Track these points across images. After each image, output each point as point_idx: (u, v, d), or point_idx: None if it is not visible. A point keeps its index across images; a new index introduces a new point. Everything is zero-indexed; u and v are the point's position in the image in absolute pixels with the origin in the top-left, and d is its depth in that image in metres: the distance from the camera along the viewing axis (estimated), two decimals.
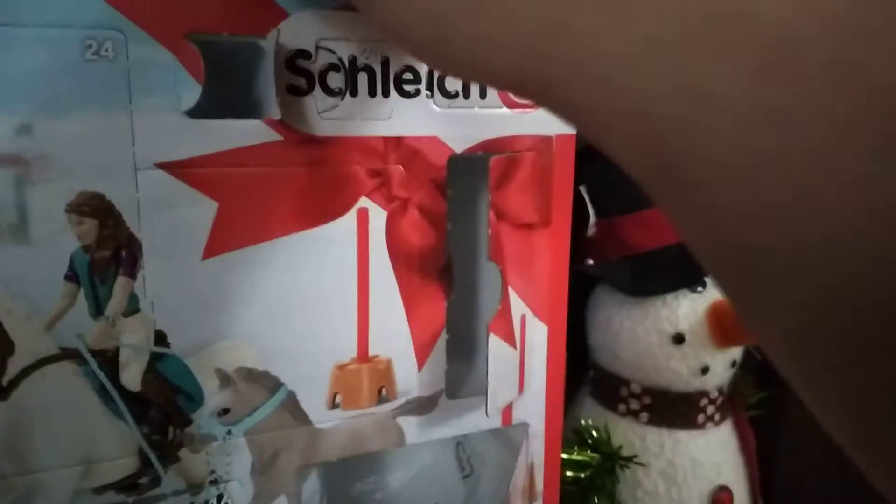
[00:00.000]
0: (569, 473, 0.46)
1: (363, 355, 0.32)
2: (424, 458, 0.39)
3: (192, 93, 0.26)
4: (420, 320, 0.33)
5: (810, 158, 0.12)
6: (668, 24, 0.14)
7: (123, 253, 0.26)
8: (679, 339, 0.46)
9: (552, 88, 0.16)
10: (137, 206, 0.26)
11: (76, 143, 0.24)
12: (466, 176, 0.33)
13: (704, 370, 0.47)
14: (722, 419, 0.50)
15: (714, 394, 0.49)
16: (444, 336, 0.33)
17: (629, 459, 0.47)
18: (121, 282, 0.26)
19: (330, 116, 0.28)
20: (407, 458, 0.38)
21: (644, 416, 0.49)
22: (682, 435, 0.48)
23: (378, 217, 0.31)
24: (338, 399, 0.31)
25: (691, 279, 0.47)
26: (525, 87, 0.18)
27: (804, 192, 0.13)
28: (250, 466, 0.30)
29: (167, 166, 0.26)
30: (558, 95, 0.17)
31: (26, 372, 0.25)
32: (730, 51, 0.13)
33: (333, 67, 0.28)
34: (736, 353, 0.49)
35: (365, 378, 0.32)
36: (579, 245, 0.48)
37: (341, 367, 0.31)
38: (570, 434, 0.48)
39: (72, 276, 0.25)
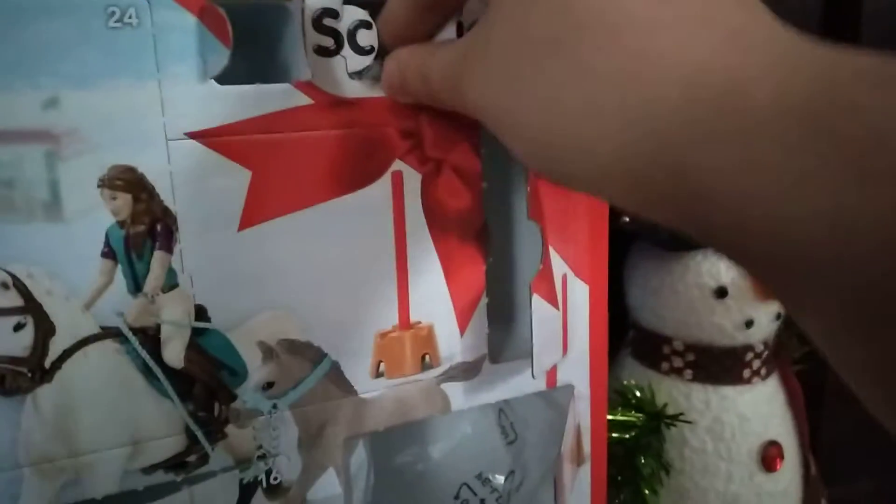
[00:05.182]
0: (614, 435, 0.45)
1: (405, 322, 0.31)
2: (465, 427, 0.39)
3: (219, 58, 0.25)
4: (460, 284, 0.32)
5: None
6: None
7: (159, 227, 0.25)
8: (721, 292, 0.45)
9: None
10: (170, 178, 0.25)
11: (105, 115, 0.24)
12: None
13: (749, 323, 0.46)
14: (768, 374, 0.49)
15: (759, 348, 0.48)
16: (484, 299, 0.33)
17: (675, 418, 0.46)
18: (157, 256, 0.25)
19: (362, 76, 0.27)
20: (448, 428, 0.37)
21: (688, 373, 0.48)
22: (728, 391, 0.47)
23: (413, 180, 0.30)
24: (382, 368, 0.31)
25: None
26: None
27: None
28: (297, 440, 0.30)
29: (198, 135, 0.25)
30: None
31: (68, 353, 0.25)
32: None
33: (364, 25, 0.27)
34: (780, 305, 0.48)
35: (408, 345, 0.31)
36: None
37: (383, 335, 0.31)
38: (613, 395, 0.47)
39: (108, 253, 0.25)
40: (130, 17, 0.23)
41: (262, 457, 0.29)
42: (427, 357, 0.32)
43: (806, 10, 0.52)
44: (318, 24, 0.26)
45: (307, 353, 0.29)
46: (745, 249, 0.17)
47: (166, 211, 0.25)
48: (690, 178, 0.17)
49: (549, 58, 0.19)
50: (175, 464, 0.28)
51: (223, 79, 0.25)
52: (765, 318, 0.47)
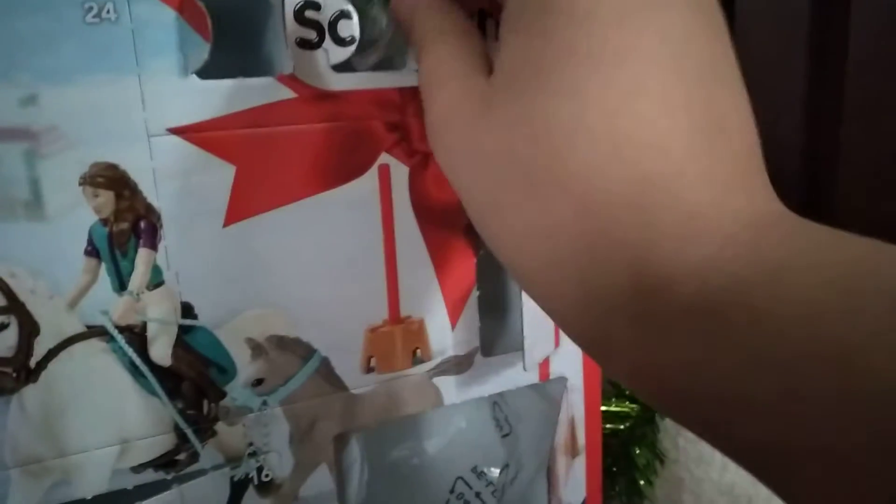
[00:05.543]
0: (608, 426, 0.45)
1: (395, 316, 0.31)
2: (460, 421, 0.38)
3: (200, 53, 0.24)
4: (450, 277, 0.32)
5: None
6: None
7: (143, 224, 0.25)
8: None
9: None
10: (153, 174, 0.25)
11: (85, 111, 0.23)
12: None
13: None
14: None
15: None
16: (475, 292, 0.32)
17: None
18: (142, 254, 0.25)
19: (342, 69, 0.27)
20: (443, 422, 0.37)
21: None
22: None
23: (400, 173, 0.29)
24: (372, 363, 0.31)
25: None
26: None
27: None
28: (288, 437, 0.29)
29: (180, 131, 0.25)
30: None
31: (53, 352, 0.25)
32: None
33: (345, 15, 0.26)
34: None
35: (398, 340, 0.31)
36: None
37: (374, 330, 0.30)
38: (607, 385, 0.47)
39: (92, 251, 0.25)
40: (108, 11, 0.23)
41: (253, 454, 0.29)
42: (418, 351, 0.32)
43: None
44: (299, 17, 0.26)
45: (296, 350, 0.29)
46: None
47: (150, 208, 0.25)
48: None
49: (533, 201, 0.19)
50: (165, 462, 0.27)
51: (204, 73, 0.25)
52: None
